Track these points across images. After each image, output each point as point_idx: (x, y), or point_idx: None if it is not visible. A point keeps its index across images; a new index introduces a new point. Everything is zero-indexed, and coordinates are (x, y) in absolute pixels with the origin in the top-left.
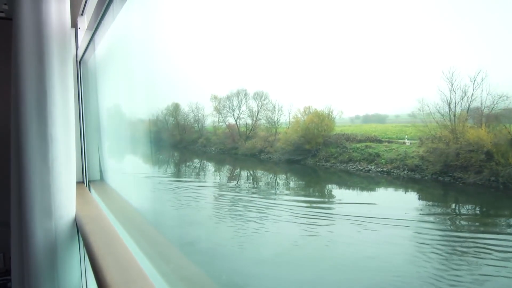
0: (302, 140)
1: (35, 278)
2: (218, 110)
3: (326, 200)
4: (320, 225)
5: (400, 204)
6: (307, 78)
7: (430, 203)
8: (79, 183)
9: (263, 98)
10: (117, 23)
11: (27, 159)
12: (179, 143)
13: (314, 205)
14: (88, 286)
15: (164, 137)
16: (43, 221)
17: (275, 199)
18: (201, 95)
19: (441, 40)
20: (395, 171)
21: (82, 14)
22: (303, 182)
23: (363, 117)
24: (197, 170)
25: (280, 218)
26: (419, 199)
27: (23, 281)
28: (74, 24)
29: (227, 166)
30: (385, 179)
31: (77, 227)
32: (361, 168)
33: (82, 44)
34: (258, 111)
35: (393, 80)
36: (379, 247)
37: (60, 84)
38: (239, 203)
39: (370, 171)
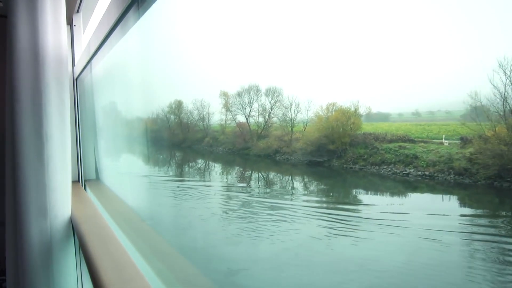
0: (325, 139)
1: (30, 278)
2: (227, 108)
3: (369, 206)
4: (374, 231)
5: (456, 211)
6: (314, 74)
7: (487, 211)
8: (75, 182)
9: (277, 94)
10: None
11: (22, 158)
12: (182, 142)
13: (357, 212)
14: (83, 286)
15: (166, 136)
16: (38, 221)
17: (312, 207)
18: (208, 92)
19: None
20: (439, 175)
21: (77, 12)
22: (332, 187)
23: (365, 116)
24: (212, 172)
25: (333, 229)
26: (469, 206)
27: (18, 281)
28: (70, 22)
29: (239, 167)
30: (426, 184)
31: (73, 227)
32: (398, 172)
33: (77, 44)
34: (272, 108)
35: (394, 78)
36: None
37: (56, 83)
38: (273, 212)
39: (409, 175)
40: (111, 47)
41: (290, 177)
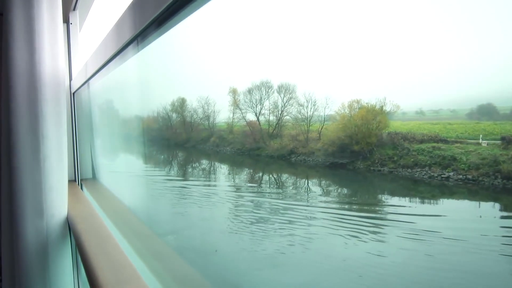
0: (348, 139)
1: (27, 278)
2: (237, 105)
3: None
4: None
5: None
6: (322, 71)
7: None
8: (71, 181)
9: (290, 91)
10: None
11: (18, 157)
12: (186, 142)
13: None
14: (80, 286)
15: (167, 136)
16: (34, 220)
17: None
18: (214, 89)
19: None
20: (485, 180)
21: (74, 10)
22: (359, 191)
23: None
24: (220, 174)
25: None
26: None
27: (14, 281)
28: (66, 20)
29: (250, 169)
30: (468, 189)
31: (69, 226)
32: (435, 175)
33: (73, 42)
34: (284, 106)
35: (394, 75)
36: None
37: (52, 81)
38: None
39: (449, 179)
40: (108, 71)
41: (310, 181)
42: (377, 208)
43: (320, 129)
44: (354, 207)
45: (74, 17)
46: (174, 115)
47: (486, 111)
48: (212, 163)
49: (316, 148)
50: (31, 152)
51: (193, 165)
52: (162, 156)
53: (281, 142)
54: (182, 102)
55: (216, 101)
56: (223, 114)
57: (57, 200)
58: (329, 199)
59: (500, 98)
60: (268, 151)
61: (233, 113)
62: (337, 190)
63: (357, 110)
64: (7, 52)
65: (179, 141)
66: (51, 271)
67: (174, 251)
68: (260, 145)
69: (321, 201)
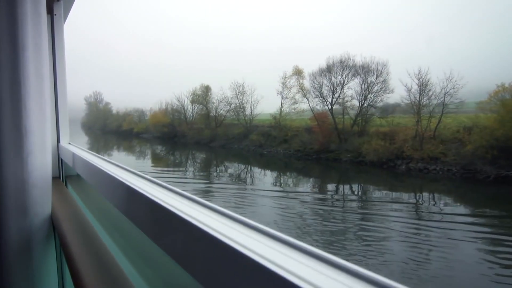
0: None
1: (10, 280)
2: (303, 92)
3: None
4: None
5: None
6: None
7: None
8: (55, 178)
9: (379, 71)
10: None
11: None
12: (211, 140)
13: None
14: (65, 287)
15: (182, 132)
16: (17, 219)
17: None
18: (253, 66)
19: None
20: None
21: (58, 0)
22: None
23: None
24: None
25: None
26: None
27: None
28: (50, 11)
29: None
30: None
31: (53, 226)
32: None
33: (57, 33)
34: (369, 92)
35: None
36: None
37: (35, 75)
38: None
39: None
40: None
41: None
42: None
43: (436, 125)
44: None
45: (58, 8)
46: (190, 107)
47: None
48: (249, 168)
49: (436, 152)
50: (14, 148)
51: (218, 169)
52: (172, 157)
53: (382, 143)
54: (206, 90)
55: (255, 88)
56: (260, 106)
57: (40, 198)
58: None
59: None
60: (351, 154)
61: (281, 104)
62: None
63: None
64: None
65: (199, 139)
66: (35, 272)
67: (164, 252)
68: (334, 146)
69: None
